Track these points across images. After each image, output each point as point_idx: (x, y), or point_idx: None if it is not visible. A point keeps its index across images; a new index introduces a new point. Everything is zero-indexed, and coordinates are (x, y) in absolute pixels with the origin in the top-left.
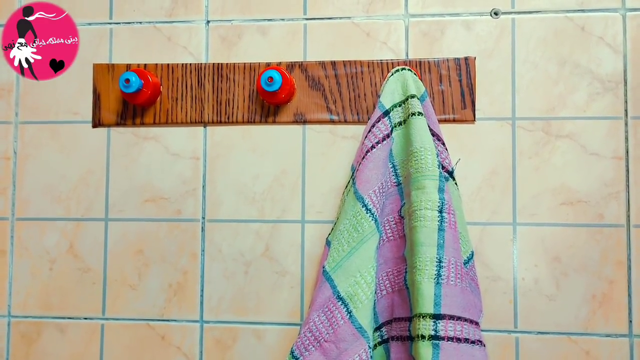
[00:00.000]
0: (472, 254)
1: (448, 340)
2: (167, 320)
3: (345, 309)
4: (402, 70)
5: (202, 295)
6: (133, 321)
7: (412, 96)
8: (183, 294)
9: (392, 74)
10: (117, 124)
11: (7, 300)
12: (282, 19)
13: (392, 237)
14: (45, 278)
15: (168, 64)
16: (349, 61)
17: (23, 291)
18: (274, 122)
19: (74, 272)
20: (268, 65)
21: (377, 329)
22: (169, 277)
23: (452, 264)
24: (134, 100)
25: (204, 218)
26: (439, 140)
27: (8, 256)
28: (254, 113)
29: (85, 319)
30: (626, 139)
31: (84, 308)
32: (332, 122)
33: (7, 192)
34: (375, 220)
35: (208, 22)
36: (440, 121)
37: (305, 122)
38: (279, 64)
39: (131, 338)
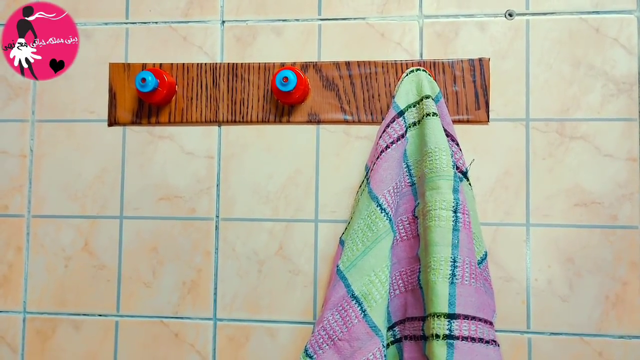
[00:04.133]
0: (486, 254)
1: (462, 340)
2: (181, 318)
3: (359, 308)
4: (416, 70)
5: (215, 293)
6: (147, 318)
7: (427, 97)
8: (197, 291)
9: (407, 75)
10: (133, 123)
11: (22, 296)
12: (297, 20)
13: (405, 237)
14: (61, 275)
15: (183, 64)
16: (363, 62)
17: (38, 288)
18: (288, 122)
19: (89, 269)
20: (282, 65)
21: (390, 328)
22: (183, 275)
23: (467, 263)
24: (150, 100)
25: (218, 217)
26: (453, 140)
27: (24, 253)
28: (268, 113)
29: (100, 315)
30: None
31: (99, 305)
32: (346, 122)
33: (23, 189)
34: (390, 220)
35: (223, 22)
36: (454, 122)
37: (319, 122)
38: (294, 64)
39: (145, 335)
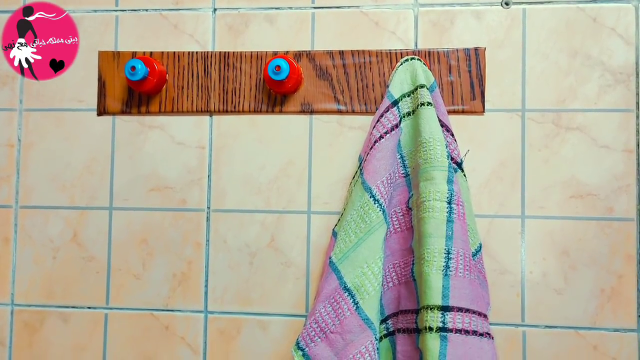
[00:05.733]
0: (480, 246)
1: (456, 333)
2: (171, 311)
3: (351, 300)
4: (411, 60)
5: (206, 286)
6: (137, 311)
7: (422, 86)
8: (187, 284)
9: (401, 64)
10: (123, 112)
11: (10, 288)
12: (290, 8)
13: (399, 229)
14: (49, 267)
15: (174, 52)
16: (357, 51)
17: (26, 280)
18: (280, 112)
19: (78, 261)
20: (275, 54)
21: (383, 321)
22: (174, 267)
23: (461, 255)
24: (140, 88)
25: (209, 208)
26: (448, 131)
27: (11, 244)
28: (260, 102)
29: (89, 308)
30: (637, 131)
31: (88, 297)
32: (339, 112)
33: (11, 179)
34: (383, 211)
35: (215, 10)
36: (449, 112)
37: (312, 112)
38: (287, 52)
39: (135, 328)
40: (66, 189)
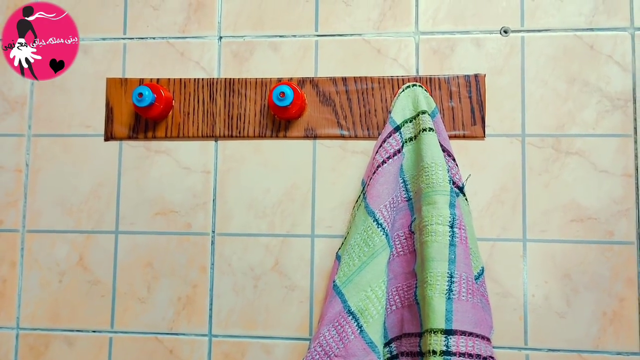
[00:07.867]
0: (483, 270)
1: (460, 356)
2: (176, 334)
3: (355, 324)
4: (412, 86)
5: (211, 309)
6: (141, 334)
7: (423, 112)
8: (192, 307)
9: (403, 90)
10: (129, 138)
11: (15, 312)
12: (294, 36)
13: (402, 252)
14: (55, 290)
15: (180, 79)
16: (359, 77)
17: (32, 303)
18: (284, 137)
19: (83, 284)
20: (279, 80)
21: (387, 344)
22: (178, 291)
23: (464, 279)
24: (147, 114)
25: (214, 232)
26: (449, 156)
27: (18, 268)
28: (265, 128)
29: (94, 331)
30: (636, 156)
31: (93, 321)
32: (342, 137)
33: (18, 204)
34: (386, 235)
35: (220, 37)
36: (450, 137)
37: (315, 137)
38: (290, 79)
39: (139, 352)
40: (73, 213)
